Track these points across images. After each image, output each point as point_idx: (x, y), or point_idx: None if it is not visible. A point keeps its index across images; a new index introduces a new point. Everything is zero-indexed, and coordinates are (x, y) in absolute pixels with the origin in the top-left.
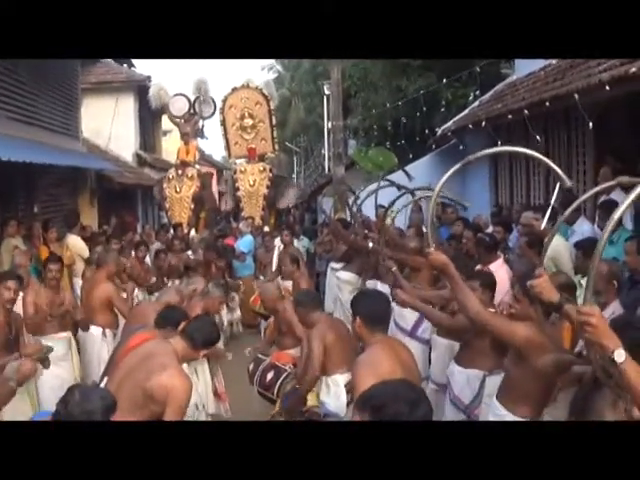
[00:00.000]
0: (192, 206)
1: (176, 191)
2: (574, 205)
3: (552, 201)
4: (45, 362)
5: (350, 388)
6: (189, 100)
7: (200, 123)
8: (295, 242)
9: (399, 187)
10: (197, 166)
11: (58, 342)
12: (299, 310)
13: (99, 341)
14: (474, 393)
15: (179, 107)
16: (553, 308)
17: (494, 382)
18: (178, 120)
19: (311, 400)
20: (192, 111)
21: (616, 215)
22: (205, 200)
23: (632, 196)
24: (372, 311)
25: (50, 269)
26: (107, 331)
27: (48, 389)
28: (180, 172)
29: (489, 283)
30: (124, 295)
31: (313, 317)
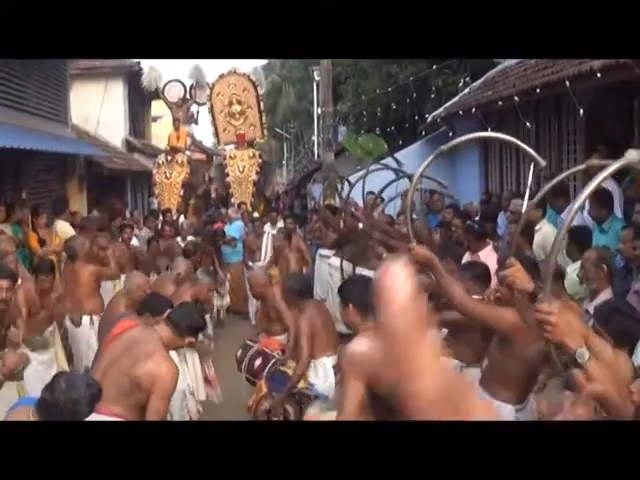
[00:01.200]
0: (181, 192)
1: (166, 177)
2: (544, 190)
3: (528, 182)
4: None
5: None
6: (184, 86)
7: (195, 109)
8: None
9: (396, 171)
10: (188, 152)
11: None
12: (288, 295)
13: (87, 330)
14: None
15: (174, 93)
16: (528, 297)
17: (471, 374)
18: (171, 105)
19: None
20: (187, 97)
21: (576, 204)
22: (195, 186)
23: (594, 184)
24: (365, 298)
25: (41, 279)
26: (94, 318)
27: (32, 375)
28: (170, 158)
29: (481, 274)
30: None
31: (302, 303)
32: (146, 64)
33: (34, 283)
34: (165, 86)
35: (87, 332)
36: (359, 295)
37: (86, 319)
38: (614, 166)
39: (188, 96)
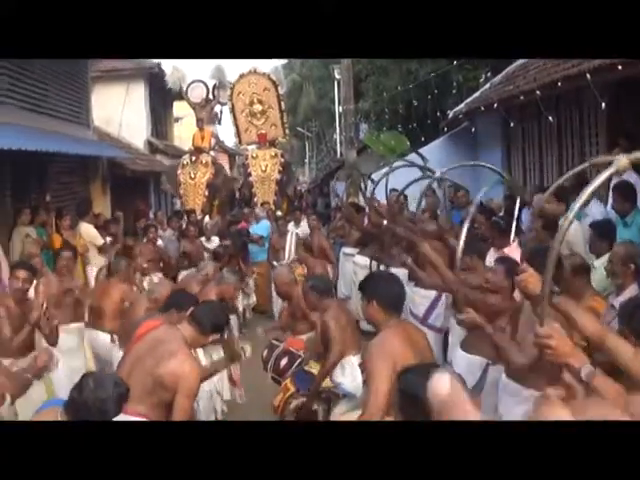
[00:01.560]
0: (206, 193)
1: (190, 177)
2: (548, 192)
3: (515, 214)
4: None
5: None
6: (207, 86)
7: (218, 109)
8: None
9: (422, 168)
10: (212, 152)
11: (70, 333)
12: (311, 295)
13: (108, 344)
14: (475, 380)
15: (197, 94)
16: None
17: (497, 371)
18: (195, 106)
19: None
20: (210, 97)
21: (582, 198)
22: (219, 186)
23: (598, 180)
24: (389, 295)
25: (62, 257)
26: (115, 337)
27: (62, 379)
28: (194, 158)
29: (511, 270)
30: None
31: (324, 302)
32: (168, 65)
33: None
34: (188, 87)
35: (109, 351)
36: (382, 291)
37: (107, 337)
38: (604, 175)
39: (211, 96)
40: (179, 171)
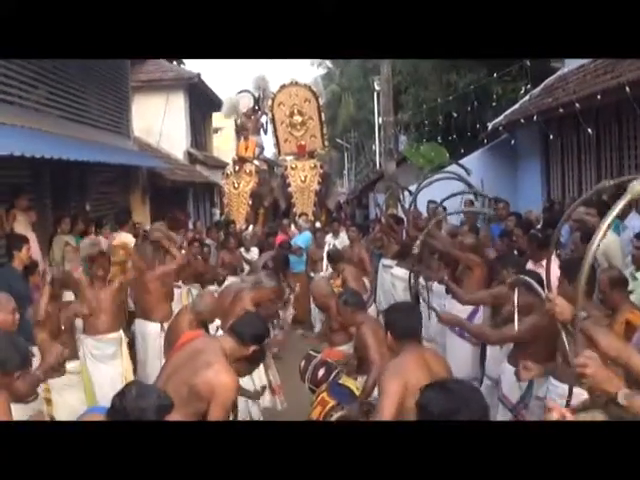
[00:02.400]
0: (250, 202)
1: (234, 187)
2: (573, 206)
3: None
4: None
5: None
6: (254, 96)
7: (263, 119)
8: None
9: (467, 183)
10: (256, 162)
11: (108, 342)
12: (344, 309)
13: (158, 337)
14: (521, 393)
15: (244, 103)
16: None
17: (544, 385)
18: (241, 115)
19: (357, 390)
20: (256, 107)
21: (593, 246)
22: (264, 196)
23: (615, 210)
24: (401, 326)
25: (99, 263)
26: (165, 325)
27: (103, 386)
28: (238, 168)
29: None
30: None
31: (358, 317)
32: (205, 78)
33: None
34: (236, 97)
35: (157, 339)
36: (397, 324)
37: (156, 326)
38: (621, 203)
39: (257, 106)
40: (223, 181)
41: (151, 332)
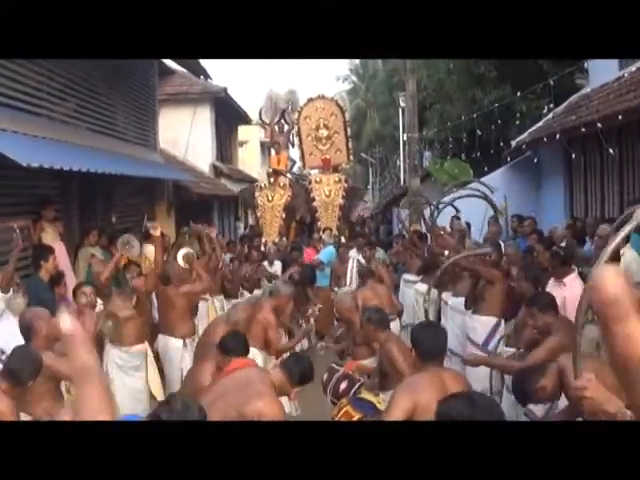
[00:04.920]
0: (283, 215)
1: (268, 200)
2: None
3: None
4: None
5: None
6: (281, 109)
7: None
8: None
9: (490, 202)
10: (289, 175)
11: (133, 354)
12: (367, 325)
13: (180, 352)
14: (545, 409)
15: (270, 116)
16: None
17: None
18: (274, 128)
19: (379, 404)
20: (282, 121)
21: (604, 257)
22: (297, 209)
23: (617, 239)
24: (427, 347)
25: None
26: (187, 340)
27: (124, 398)
28: (272, 180)
29: (547, 303)
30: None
31: (380, 335)
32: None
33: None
34: (261, 110)
35: (180, 354)
36: (423, 342)
37: (178, 342)
38: (626, 230)
39: (282, 120)
40: (256, 194)
41: (173, 348)
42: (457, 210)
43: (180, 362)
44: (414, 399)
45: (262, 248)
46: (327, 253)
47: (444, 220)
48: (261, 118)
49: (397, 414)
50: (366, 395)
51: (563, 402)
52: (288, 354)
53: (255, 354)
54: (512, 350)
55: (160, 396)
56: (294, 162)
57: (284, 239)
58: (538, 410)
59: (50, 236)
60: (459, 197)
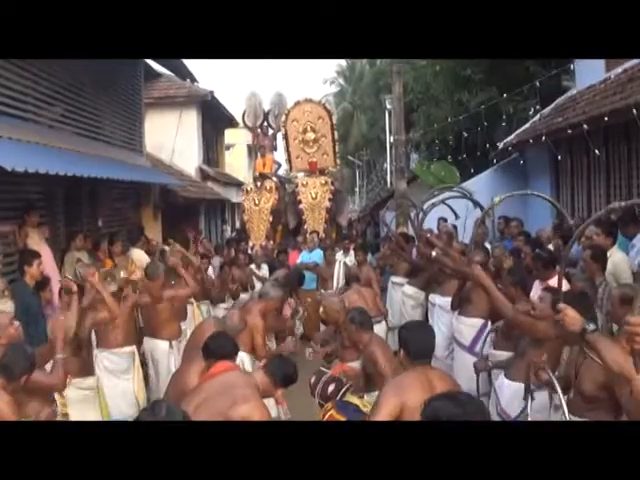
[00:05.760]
0: (270, 218)
1: (255, 203)
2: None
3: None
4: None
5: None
6: (263, 111)
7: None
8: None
9: (473, 201)
10: (275, 179)
11: (122, 356)
12: (351, 326)
13: (167, 354)
14: (521, 407)
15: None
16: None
17: (543, 397)
18: (257, 132)
19: (364, 407)
20: (266, 124)
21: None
22: (282, 213)
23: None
24: (415, 347)
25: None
26: (173, 342)
27: (114, 399)
28: (259, 184)
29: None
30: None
31: (363, 336)
32: (218, 95)
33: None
34: (244, 113)
35: (167, 356)
36: (411, 342)
37: (165, 344)
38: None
39: (266, 123)
40: (243, 197)
41: (159, 350)
42: (454, 211)
43: (167, 364)
44: (401, 399)
45: (249, 251)
46: (317, 255)
47: (432, 223)
48: (244, 122)
49: (384, 413)
50: (351, 398)
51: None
52: (273, 356)
53: (243, 357)
54: (499, 352)
55: (143, 401)
56: (279, 165)
57: (271, 242)
58: (511, 411)
59: (35, 241)
60: (443, 199)
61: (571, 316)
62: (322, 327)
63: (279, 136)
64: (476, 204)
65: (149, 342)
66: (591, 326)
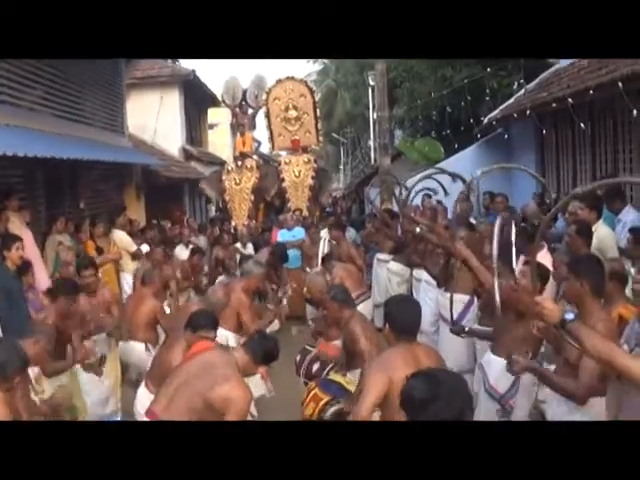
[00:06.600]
0: (252, 197)
1: (236, 183)
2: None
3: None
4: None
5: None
6: (243, 90)
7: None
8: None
9: (452, 175)
10: (255, 157)
11: (98, 345)
12: (332, 304)
13: (144, 355)
14: (510, 382)
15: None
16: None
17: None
18: (236, 111)
19: (347, 384)
20: (244, 102)
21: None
22: (265, 191)
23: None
24: (400, 321)
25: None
26: (149, 346)
27: (84, 390)
28: (240, 164)
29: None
30: (168, 310)
31: (345, 312)
32: (200, 74)
33: None
34: (222, 93)
35: (141, 355)
36: (396, 317)
37: (141, 346)
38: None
39: (244, 102)
40: (224, 177)
41: (135, 351)
42: (444, 188)
43: (140, 361)
44: (388, 375)
45: (232, 231)
46: (300, 233)
47: (418, 200)
48: (224, 101)
49: (374, 392)
50: (334, 376)
51: (526, 377)
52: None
53: (227, 336)
54: (484, 328)
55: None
56: (259, 143)
57: (254, 221)
58: (500, 387)
59: (16, 225)
60: (424, 176)
61: (549, 308)
62: (307, 306)
63: (261, 114)
64: (457, 178)
65: (124, 345)
66: (570, 315)
